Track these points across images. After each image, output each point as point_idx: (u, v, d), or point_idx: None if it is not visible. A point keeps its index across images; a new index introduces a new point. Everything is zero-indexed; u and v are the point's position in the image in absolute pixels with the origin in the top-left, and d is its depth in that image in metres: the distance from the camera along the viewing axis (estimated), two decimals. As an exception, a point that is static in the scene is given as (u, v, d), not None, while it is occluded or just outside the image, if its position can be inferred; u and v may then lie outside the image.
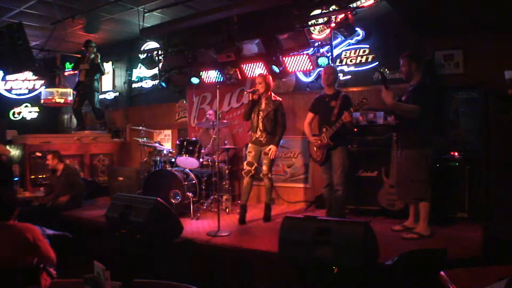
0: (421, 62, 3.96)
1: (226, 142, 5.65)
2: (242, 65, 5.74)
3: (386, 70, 3.95)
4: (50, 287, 3.00)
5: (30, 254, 3.00)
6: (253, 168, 4.70)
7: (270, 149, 4.63)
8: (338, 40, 5.51)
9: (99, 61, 7.44)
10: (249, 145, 4.86)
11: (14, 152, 6.65)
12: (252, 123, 4.82)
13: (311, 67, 5.30)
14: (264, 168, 4.69)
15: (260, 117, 4.71)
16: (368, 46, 5.41)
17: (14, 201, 3.19)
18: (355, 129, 4.83)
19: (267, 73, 5.15)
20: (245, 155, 5.47)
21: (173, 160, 5.75)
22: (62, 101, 8.23)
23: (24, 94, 9.10)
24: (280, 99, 4.80)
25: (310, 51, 5.43)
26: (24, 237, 2.97)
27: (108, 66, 8.44)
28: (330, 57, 5.32)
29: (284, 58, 5.39)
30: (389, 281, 2.88)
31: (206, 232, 4.27)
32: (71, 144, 7.23)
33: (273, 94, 4.80)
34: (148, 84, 7.93)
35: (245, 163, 4.83)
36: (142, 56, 7.77)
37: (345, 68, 5.54)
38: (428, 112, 3.77)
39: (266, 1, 5.23)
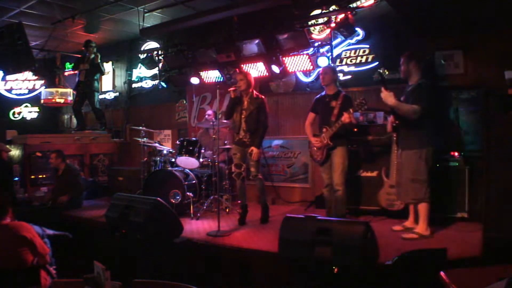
0: (420, 62, 3.95)
1: (226, 142, 5.65)
2: (242, 65, 5.74)
3: (385, 71, 3.95)
4: (50, 287, 3.01)
5: (29, 252, 3.01)
6: (242, 169, 4.61)
7: (252, 150, 4.54)
8: (338, 40, 5.51)
9: (99, 61, 7.43)
10: (233, 146, 4.78)
11: (14, 152, 6.65)
12: (234, 123, 4.72)
13: (311, 67, 5.30)
14: (252, 170, 4.60)
15: (243, 116, 4.61)
16: (368, 46, 5.41)
17: (6, 201, 3.19)
18: (355, 129, 4.83)
19: (247, 70, 5.13)
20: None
21: (173, 160, 5.75)
22: (62, 101, 8.23)
23: (24, 94, 9.11)
24: (263, 96, 4.71)
25: (310, 51, 5.42)
26: (21, 235, 2.99)
27: (108, 66, 8.44)
28: (330, 57, 5.32)
29: (284, 58, 5.39)
30: (389, 281, 2.88)
31: (206, 232, 4.27)
32: (71, 144, 7.23)
33: (255, 92, 4.72)
34: (148, 84, 7.93)
35: (233, 165, 4.74)
36: (142, 56, 7.77)
37: (345, 68, 5.54)
38: (428, 112, 3.77)
39: (266, 1, 5.23)
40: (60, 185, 5.77)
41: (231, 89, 4.58)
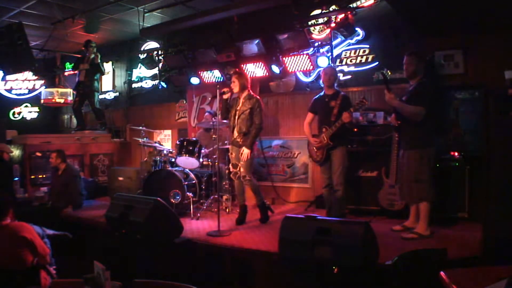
0: (424, 62, 3.98)
1: (226, 142, 5.65)
2: (242, 65, 5.73)
3: (388, 72, 3.96)
4: (50, 287, 3.01)
5: (29, 252, 3.02)
6: (238, 169, 4.60)
7: (242, 151, 4.49)
8: (338, 40, 5.50)
9: (99, 61, 7.43)
10: (230, 146, 4.80)
11: (14, 152, 6.65)
12: (230, 123, 4.72)
13: (311, 67, 5.29)
14: (242, 170, 4.55)
15: (236, 117, 4.60)
16: (368, 46, 5.41)
17: (7, 201, 3.19)
18: (355, 129, 4.83)
19: (243, 71, 5.13)
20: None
21: (173, 160, 5.75)
22: (62, 101, 8.23)
23: (24, 94, 9.11)
24: (258, 97, 4.65)
25: (310, 51, 5.42)
26: (21, 236, 2.99)
27: (108, 66, 8.44)
28: (330, 57, 5.32)
29: (284, 58, 5.38)
30: (389, 281, 2.88)
31: (206, 232, 4.27)
32: (71, 144, 7.23)
33: (251, 92, 4.67)
34: (148, 84, 7.93)
35: (230, 165, 4.74)
36: (142, 56, 7.79)
37: (345, 68, 5.54)
38: (430, 112, 3.77)
39: (266, 1, 5.23)
40: (59, 185, 5.76)
41: (223, 90, 4.54)
